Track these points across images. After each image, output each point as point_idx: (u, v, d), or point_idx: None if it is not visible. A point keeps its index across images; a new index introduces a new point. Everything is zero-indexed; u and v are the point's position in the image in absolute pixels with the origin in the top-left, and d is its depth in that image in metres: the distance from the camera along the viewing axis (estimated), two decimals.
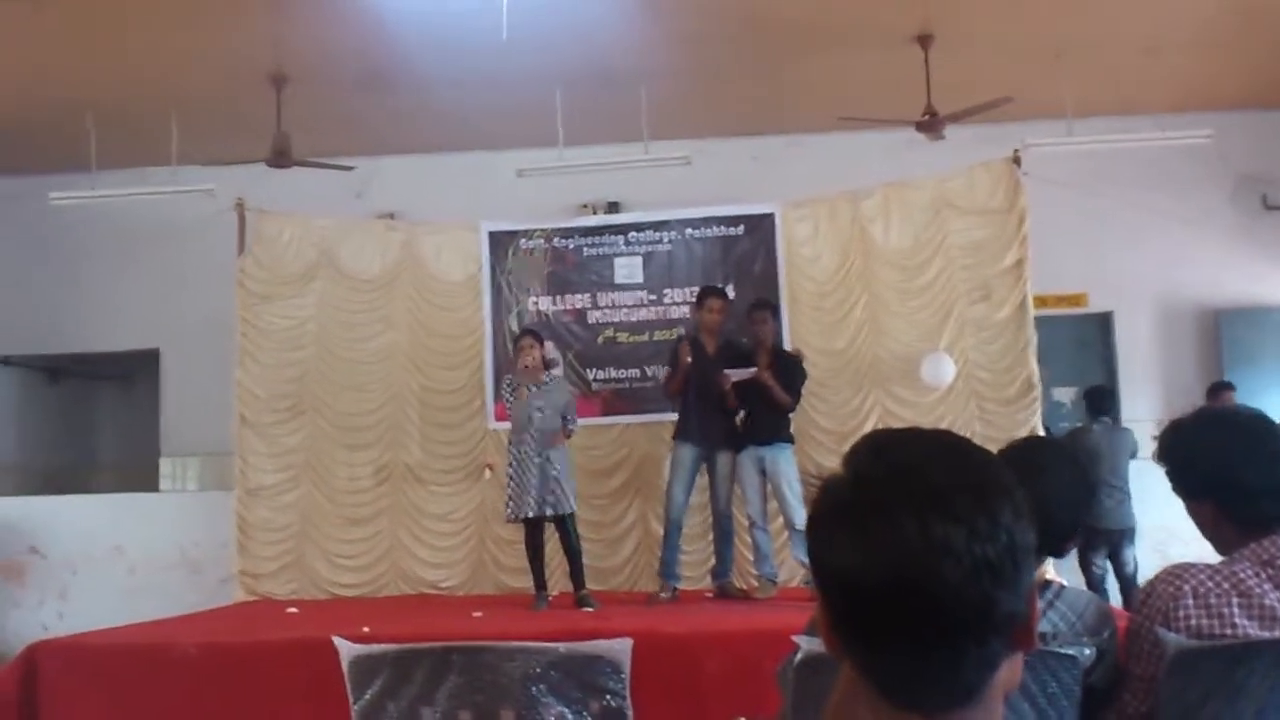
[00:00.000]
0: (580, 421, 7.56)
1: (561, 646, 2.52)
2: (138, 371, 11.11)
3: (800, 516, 6.94)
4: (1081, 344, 9.85)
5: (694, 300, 7.82)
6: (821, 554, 1.14)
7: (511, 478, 7.11)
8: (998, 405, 8.08)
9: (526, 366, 7.13)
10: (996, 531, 1.08)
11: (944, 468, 1.12)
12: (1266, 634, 2.22)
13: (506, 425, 7.77)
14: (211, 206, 8.85)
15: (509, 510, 7.12)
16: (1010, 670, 1.15)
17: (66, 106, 8.77)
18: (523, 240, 8.82)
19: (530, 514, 7.00)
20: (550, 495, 6.98)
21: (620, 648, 2.45)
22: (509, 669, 2.43)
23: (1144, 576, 2.40)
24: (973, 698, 1.12)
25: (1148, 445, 7.93)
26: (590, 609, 6.90)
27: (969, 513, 1.08)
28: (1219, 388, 8.56)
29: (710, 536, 7.58)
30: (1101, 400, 8.58)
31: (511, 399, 7.18)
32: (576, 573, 7.16)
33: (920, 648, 1.09)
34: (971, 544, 1.07)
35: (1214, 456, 2.34)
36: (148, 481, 10.33)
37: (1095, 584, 8.01)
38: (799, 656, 2.31)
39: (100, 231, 10.12)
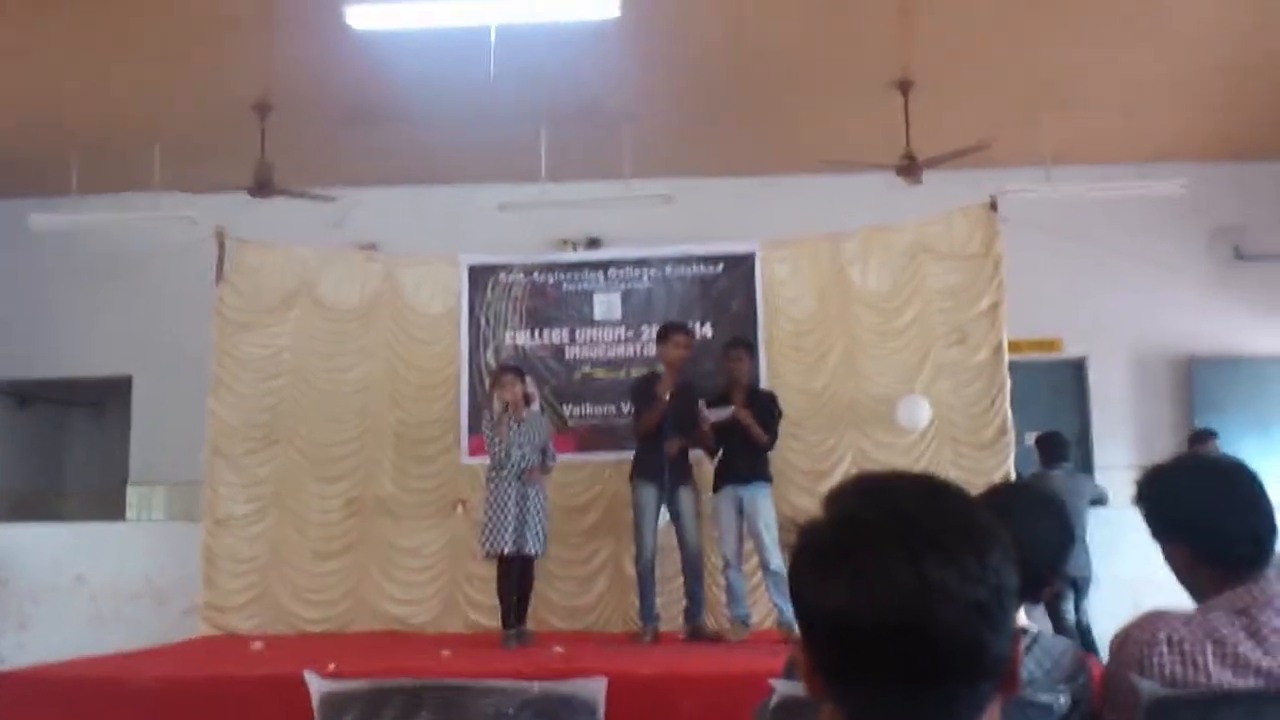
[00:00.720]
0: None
1: (535, 685, 2.49)
2: (109, 398, 11.03)
3: (777, 559, 6.91)
4: (1055, 390, 9.93)
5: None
6: (810, 597, 1.13)
7: (488, 513, 7.08)
8: (972, 449, 8.09)
9: (508, 402, 7.12)
10: (986, 573, 1.09)
11: (933, 510, 1.13)
12: (1240, 682, 2.22)
13: (479, 460, 7.75)
14: (192, 234, 8.82)
15: (484, 545, 7.10)
16: (991, 716, 1.14)
17: (50, 131, 8.78)
18: (502, 274, 8.80)
19: (506, 550, 6.98)
20: (528, 532, 6.98)
21: (595, 687, 2.42)
22: (481, 707, 2.40)
23: (1110, 624, 2.39)
24: None
25: (1121, 492, 7.98)
26: (526, 644, 6.97)
27: (961, 555, 1.08)
28: (1202, 435, 8.59)
29: (680, 577, 7.53)
30: (1056, 447, 8.60)
31: (492, 434, 7.16)
32: (523, 609, 7.19)
33: (912, 690, 1.09)
34: (964, 586, 1.07)
35: (1189, 499, 2.35)
36: (114, 510, 10.23)
37: (1066, 631, 8.01)
38: (775, 700, 2.29)
39: (78, 256, 10.08)
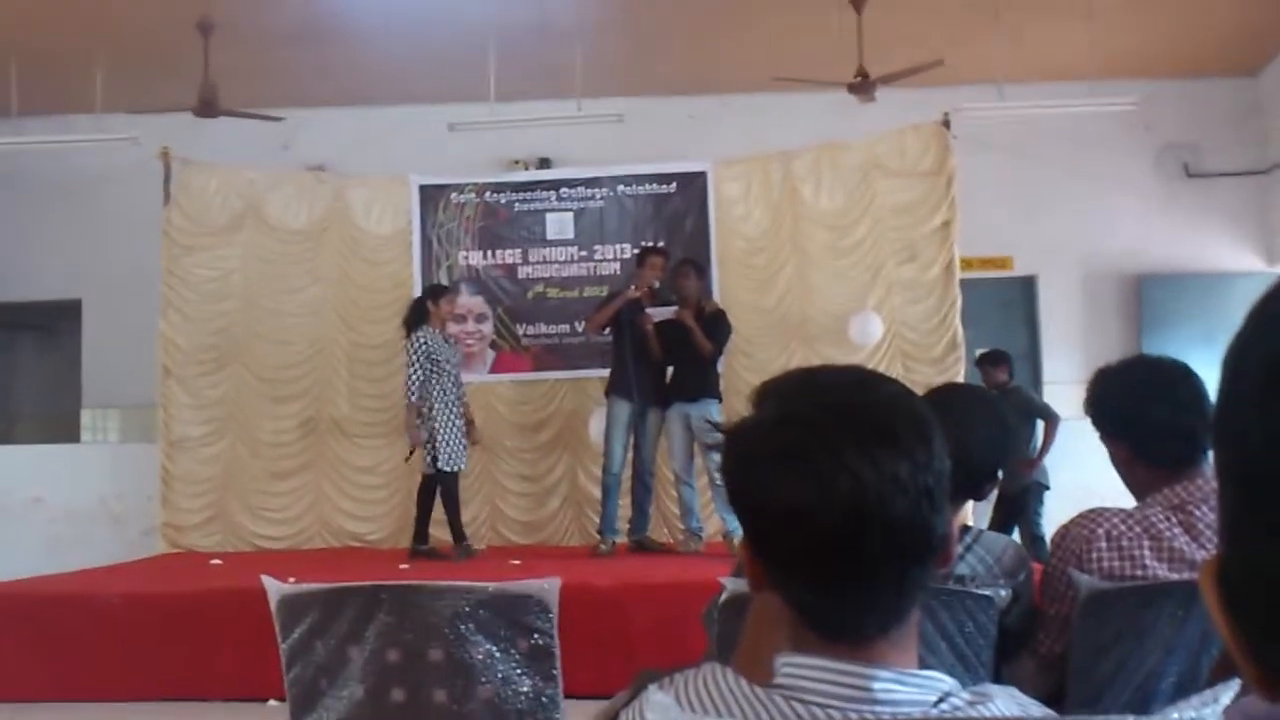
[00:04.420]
0: (510, 376, 7.62)
1: (490, 585, 2.53)
2: (59, 322, 10.89)
3: None
4: (1005, 306, 10.01)
5: (626, 257, 7.82)
6: (760, 495, 1.14)
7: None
8: (924, 365, 8.20)
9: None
10: (932, 461, 1.13)
11: (878, 403, 1.15)
12: (1175, 576, 2.29)
13: None
14: (136, 155, 8.68)
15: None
16: None
17: None
18: (454, 195, 8.75)
19: (427, 471, 7.34)
20: (440, 450, 7.25)
21: (548, 587, 2.46)
22: (437, 608, 2.44)
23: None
24: (904, 620, 1.15)
25: (1069, 407, 8.09)
26: (469, 557, 7.22)
27: (912, 446, 1.12)
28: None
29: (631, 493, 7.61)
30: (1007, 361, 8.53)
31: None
32: (454, 524, 7.41)
33: (867, 576, 1.12)
34: (916, 475, 1.11)
35: (1129, 396, 2.40)
36: (69, 433, 10.17)
37: (1038, 539, 8.02)
38: (724, 596, 2.34)
39: (21, 179, 9.88)
